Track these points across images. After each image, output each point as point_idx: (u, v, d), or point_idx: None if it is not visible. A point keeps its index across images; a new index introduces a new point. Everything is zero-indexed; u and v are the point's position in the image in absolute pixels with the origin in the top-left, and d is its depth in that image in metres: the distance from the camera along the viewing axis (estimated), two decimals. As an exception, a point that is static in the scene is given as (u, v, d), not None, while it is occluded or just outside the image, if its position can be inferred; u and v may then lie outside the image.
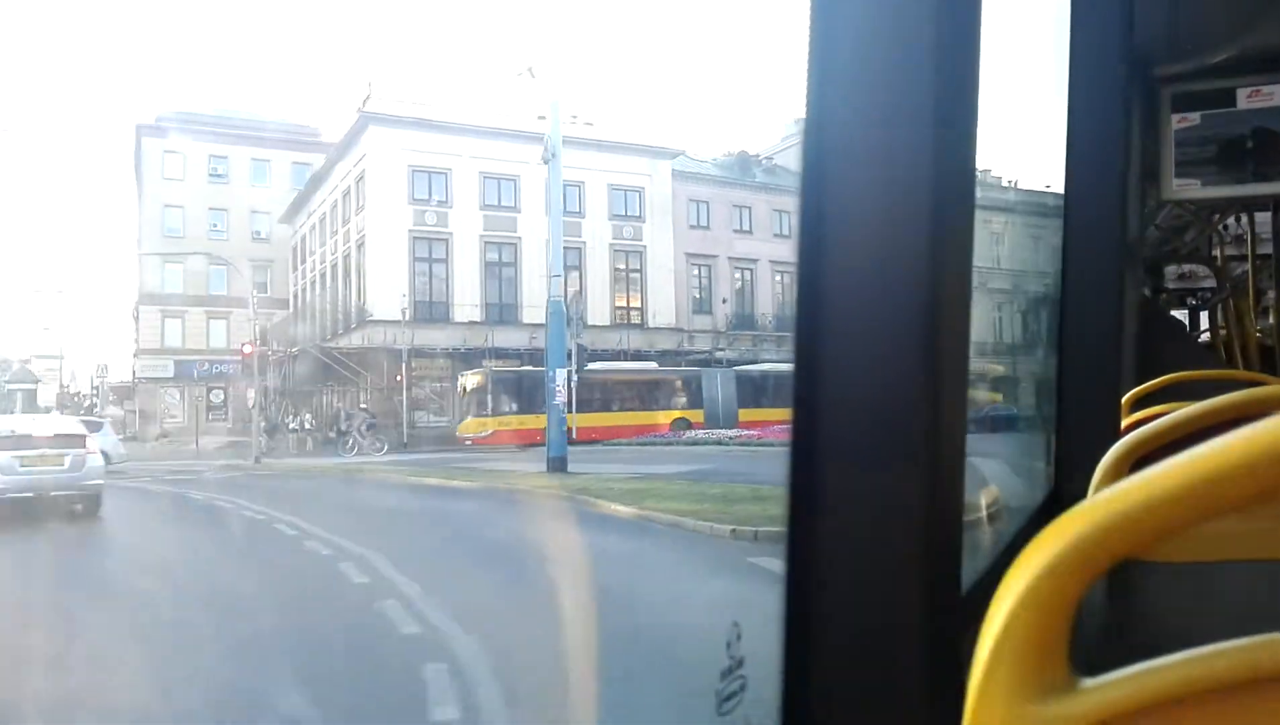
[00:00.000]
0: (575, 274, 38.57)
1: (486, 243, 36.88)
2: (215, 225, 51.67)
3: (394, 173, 35.15)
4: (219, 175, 51.72)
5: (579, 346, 28.86)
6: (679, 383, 33.47)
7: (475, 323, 35.76)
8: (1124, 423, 1.90)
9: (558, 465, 17.06)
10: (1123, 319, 2.09)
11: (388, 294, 34.34)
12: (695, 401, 32.62)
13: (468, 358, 34.84)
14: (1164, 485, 0.49)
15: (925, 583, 0.71)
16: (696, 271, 41.70)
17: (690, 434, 28.05)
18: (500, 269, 37.21)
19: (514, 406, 29.74)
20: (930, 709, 0.70)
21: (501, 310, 36.97)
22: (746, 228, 42.78)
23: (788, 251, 43.22)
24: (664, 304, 39.95)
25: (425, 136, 35.58)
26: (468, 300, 35.96)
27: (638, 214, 40.09)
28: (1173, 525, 0.49)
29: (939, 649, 0.71)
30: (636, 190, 40.03)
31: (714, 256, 41.79)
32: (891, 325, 0.70)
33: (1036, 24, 2.14)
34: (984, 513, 1.63)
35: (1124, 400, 2.09)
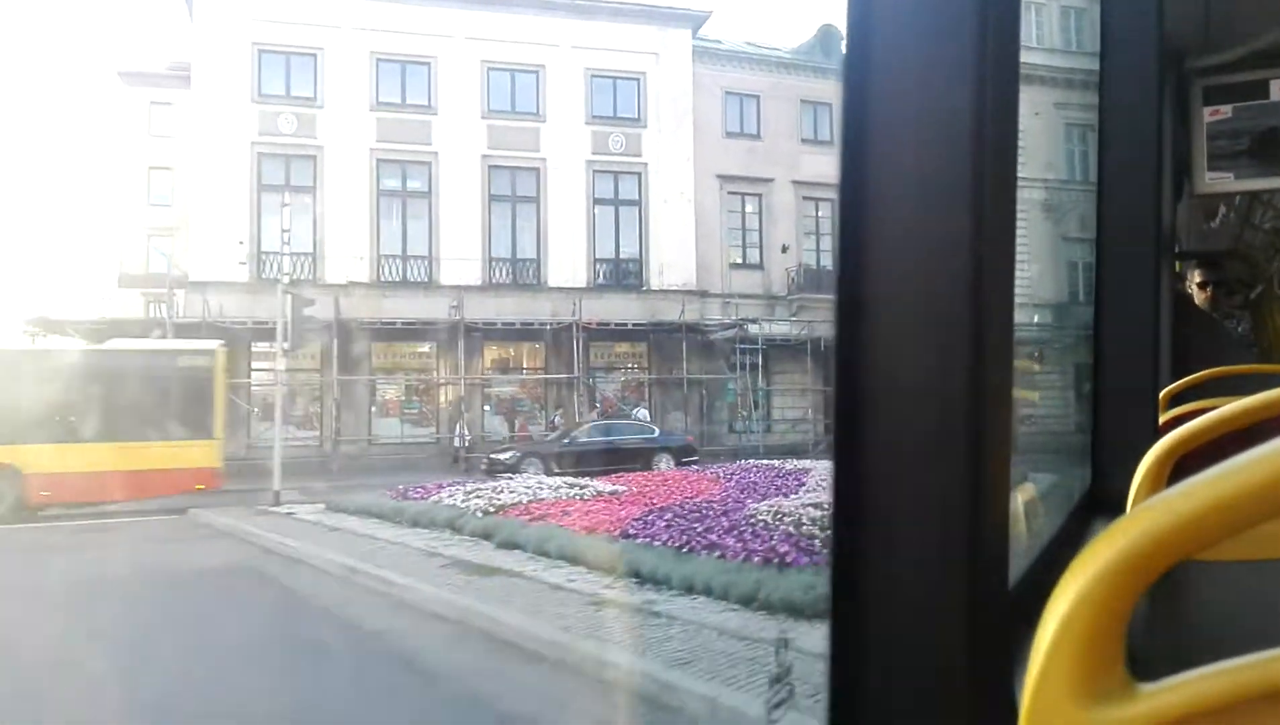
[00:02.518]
0: (532, 208, 25.01)
1: (381, 161, 24.03)
2: (210, 189, 42.14)
3: (229, 56, 22.97)
4: (214, 129, 42.09)
5: (293, 305, 15.05)
6: None
7: (360, 285, 23.02)
8: (1161, 419, 1.92)
9: None
10: (1159, 314, 2.08)
11: (221, 243, 22.23)
12: None
13: (342, 335, 22.21)
14: (1223, 489, 0.49)
15: (972, 580, 0.68)
16: (738, 203, 26.97)
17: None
18: (405, 202, 24.25)
19: None
20: (979, 708, 0.68)
21: (406, 265, 24.00)
22: (823, 136, 27.50)
23: (892, 171, 27.62)
24: (677, 254, 25.59)
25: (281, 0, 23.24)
26: (349, 250, 23.24)
27: (635, 115, 25.95)
28: (1230, 530, 0.49)
29: (987, 648, 0.69)
30: (633, 78, 25.90)
31: (767, 180, 27.00)
32: (935, 316, 0.68)
33: (1067, 17, 6.92)
34: (1022, 509, 1.50)
35: (1161, 396, 2.07)
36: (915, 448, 0.68)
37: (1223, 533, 0.49)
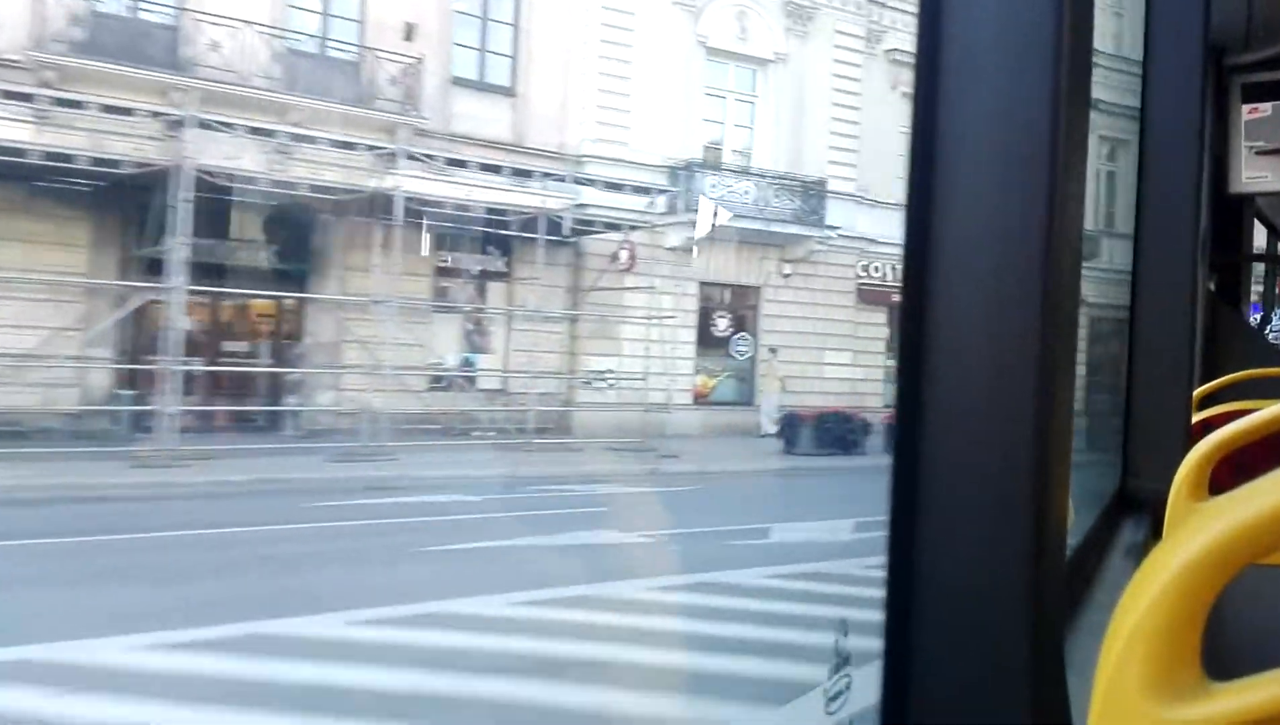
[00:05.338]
0: None
1: None
2: None
3: None
4: None
5: None
6: None
7: None
8: (1193, 420, 1.96)
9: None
10: (1195, 315, 2.11)
11: None
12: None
13: None
14: None
15: (1032, 570, 0.67)
16: None
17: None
18: None
19: None
20: (1035, 700, 0.66)
21: None
22: None
23: None
24: None
25: None
26: None
27: None
28: None
29: (1044, 637, 0.68)
30: None
31: None
32: (1003, 289, 0.67)
33: (1113, 13, 2.21)
34: None
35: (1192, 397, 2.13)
36: (977, 422, 0.66)
37: None
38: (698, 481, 13.72)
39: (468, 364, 18.62)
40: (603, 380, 19.20)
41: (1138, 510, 1.73)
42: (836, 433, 16.69)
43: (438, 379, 18.05)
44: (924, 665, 0.67)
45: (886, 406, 20.42)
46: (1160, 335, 1.93)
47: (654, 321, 18.26)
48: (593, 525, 9.51)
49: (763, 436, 18.51)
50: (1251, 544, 0.49)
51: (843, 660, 1.72)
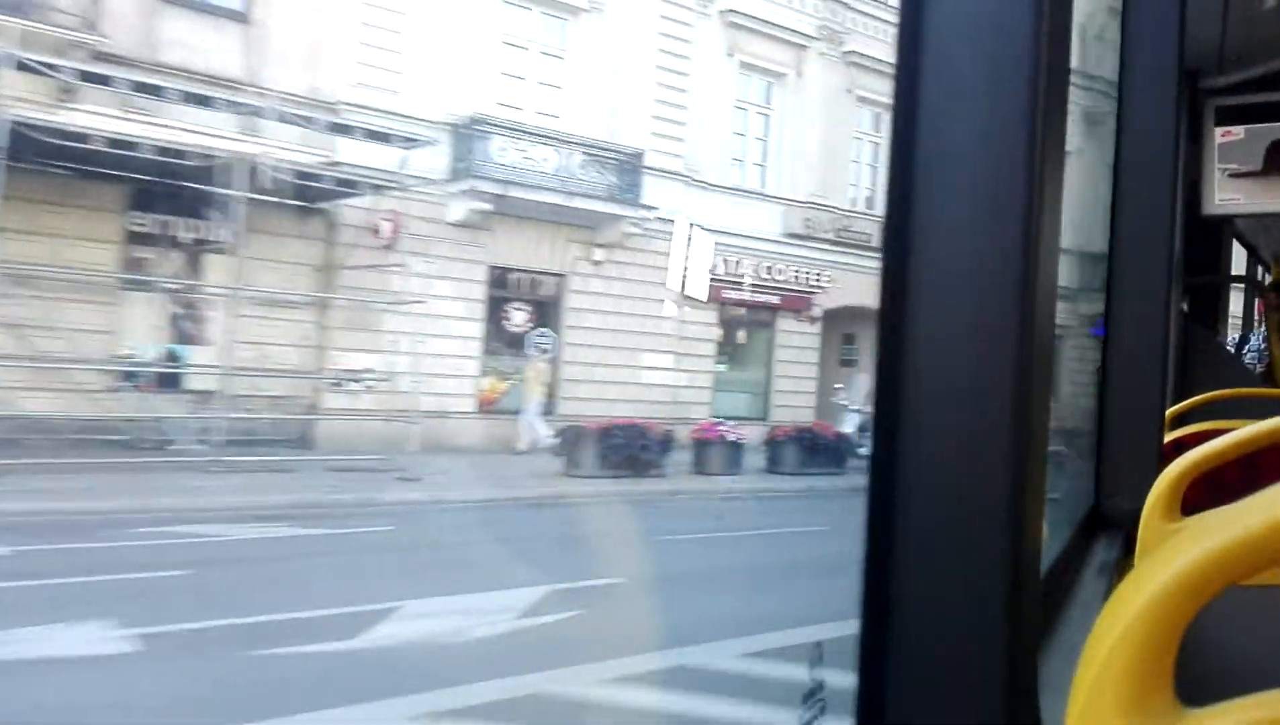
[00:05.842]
0: None
1: None
2: None
3: None
4: None
5: None
6: None
7: None
8: (1164, 440, 1.98)
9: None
10: (1168, 335, 2.11)
11: None
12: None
13: None
14: None
15: (1008, 590, 0.67)
16: None
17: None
18: None
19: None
20: (1009, 715, 0.66)
21: None
22: None
23: None
24: None
25: None
26: None
27: None
28: None
29: (1019, 661, 0.68)
30: None
31: None
32: (980, 306, 0.67)
33: (1087, 35, 2.18)
34: None
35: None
36: (954, 448, 0.66)
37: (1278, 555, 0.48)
38: (413, 519, 10.26)
39: (173, 358, 14.67)
40: (358, 382, 15.58)
41: (1111, 529, 1.73)
42: (627, 450, 13.44)
43: (128, 376, 14.06)
44: (898, 685, 0.66)
45: (716, 418, 17.46)
46: (1134, 355, 1.93)
47: (406, 309, 14.75)
48: (99, 611, 5.93)
49: (539, 453, 15.14)
50: (1224, 569, 0.49)
51: (816, 686, 1.65)
